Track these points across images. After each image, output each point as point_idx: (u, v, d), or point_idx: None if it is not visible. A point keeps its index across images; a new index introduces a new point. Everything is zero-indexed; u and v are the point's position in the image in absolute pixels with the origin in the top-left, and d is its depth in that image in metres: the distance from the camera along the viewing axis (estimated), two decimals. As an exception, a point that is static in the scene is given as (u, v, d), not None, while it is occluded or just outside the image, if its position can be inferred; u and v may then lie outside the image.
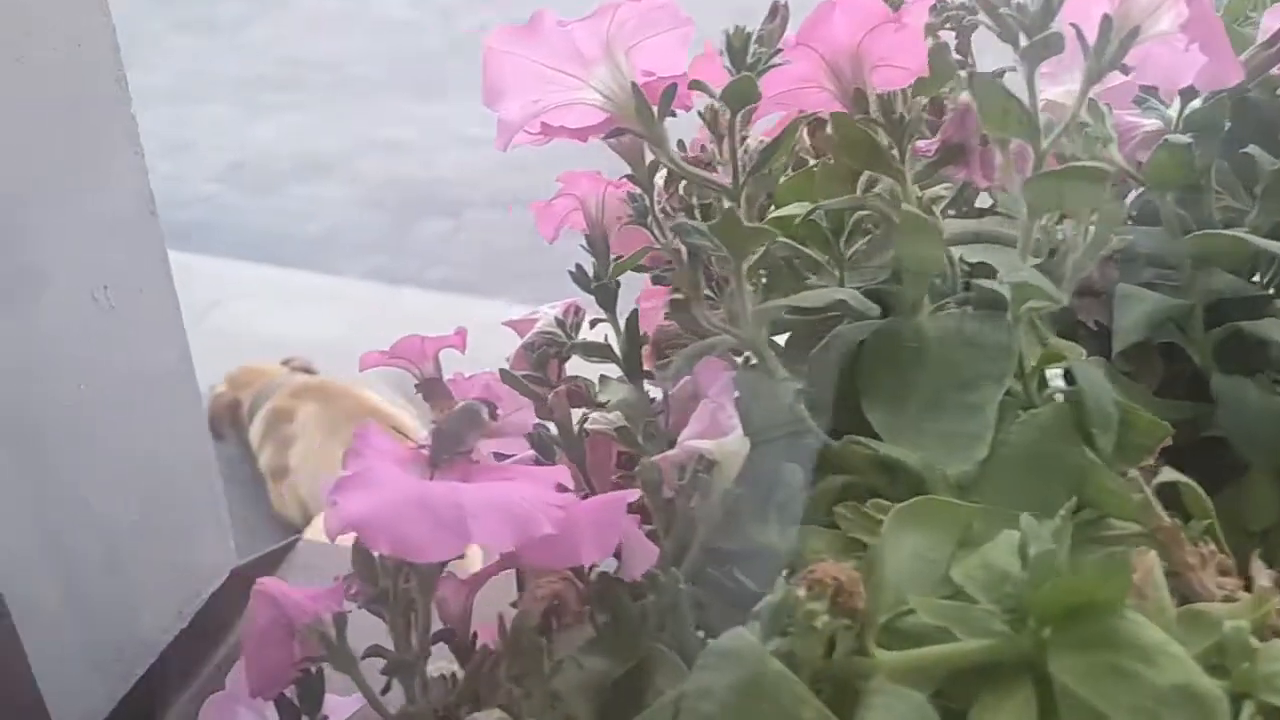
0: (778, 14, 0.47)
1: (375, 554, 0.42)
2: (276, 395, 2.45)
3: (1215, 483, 0.48)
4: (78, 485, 0.63)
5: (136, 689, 0.71)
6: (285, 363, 2.56)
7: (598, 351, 0.60)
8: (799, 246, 0.52)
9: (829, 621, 0.37)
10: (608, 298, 0.61)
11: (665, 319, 0.55)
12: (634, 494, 0.40)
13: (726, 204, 0.46)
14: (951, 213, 0.56)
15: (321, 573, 0.88)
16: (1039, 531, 0.38)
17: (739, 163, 0.45)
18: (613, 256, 0.62)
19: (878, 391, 0.47)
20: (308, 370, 2.55)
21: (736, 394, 0.45)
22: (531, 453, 0.53)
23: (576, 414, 0.54)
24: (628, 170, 0.51)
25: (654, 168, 0.52)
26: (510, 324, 0.66)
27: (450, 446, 0.41)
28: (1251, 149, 0.56)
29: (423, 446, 0.42)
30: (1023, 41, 0.44)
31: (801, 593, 0.37)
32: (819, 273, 0.54)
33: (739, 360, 0.50)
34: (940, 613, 0.38)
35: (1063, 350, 0.45)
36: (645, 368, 0.58)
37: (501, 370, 0.62)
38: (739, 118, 0.45)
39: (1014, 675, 0.37)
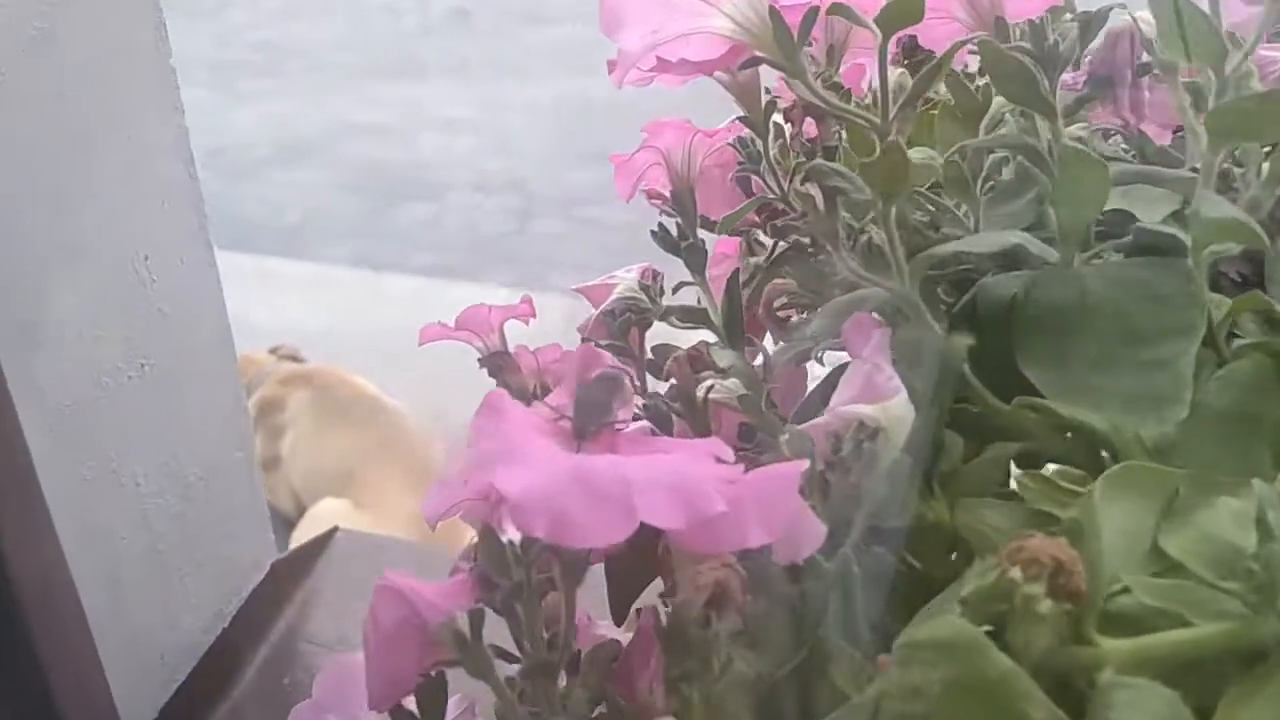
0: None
1: (506, 540, 0.37)
2: (265, 384, 2.38)
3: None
4: (120, 473, 0.58)
5: (179, 695, 0.65)
6: (273, 351, 2.49)
7: (693, 317, 0.55)
8: (929, 195, 0.47)
9: (1052, 607, 0.32)
10: (697, 259, 0.56)
11: (777, 279, 0.50)
12: (802, 465, 0.35)
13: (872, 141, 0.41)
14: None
15: (364, 563, 0.83)
16: (1275, 502, 0.34)
17: (889, 95, 0.40)
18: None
19: (1037, 350, 0.42)
20: (296, 358, 2.49)
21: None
22: (638, 426, 0.48)
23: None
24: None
25: (770, 108, 0.47)
26: (582, 290, 0.61)
27: (596, 417, 0.36)
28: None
29: (559, 418, 0.37)
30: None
31: (1017, 574, 0.33)
32: (944, 225, 0.49)
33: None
34: (1164, 594, 0.34)
35: (1257, 297, 0.41)
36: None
37: (584, 340, 0.57)
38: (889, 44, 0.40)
39: (1261, 662, 0.32)
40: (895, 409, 0.39)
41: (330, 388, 2.36)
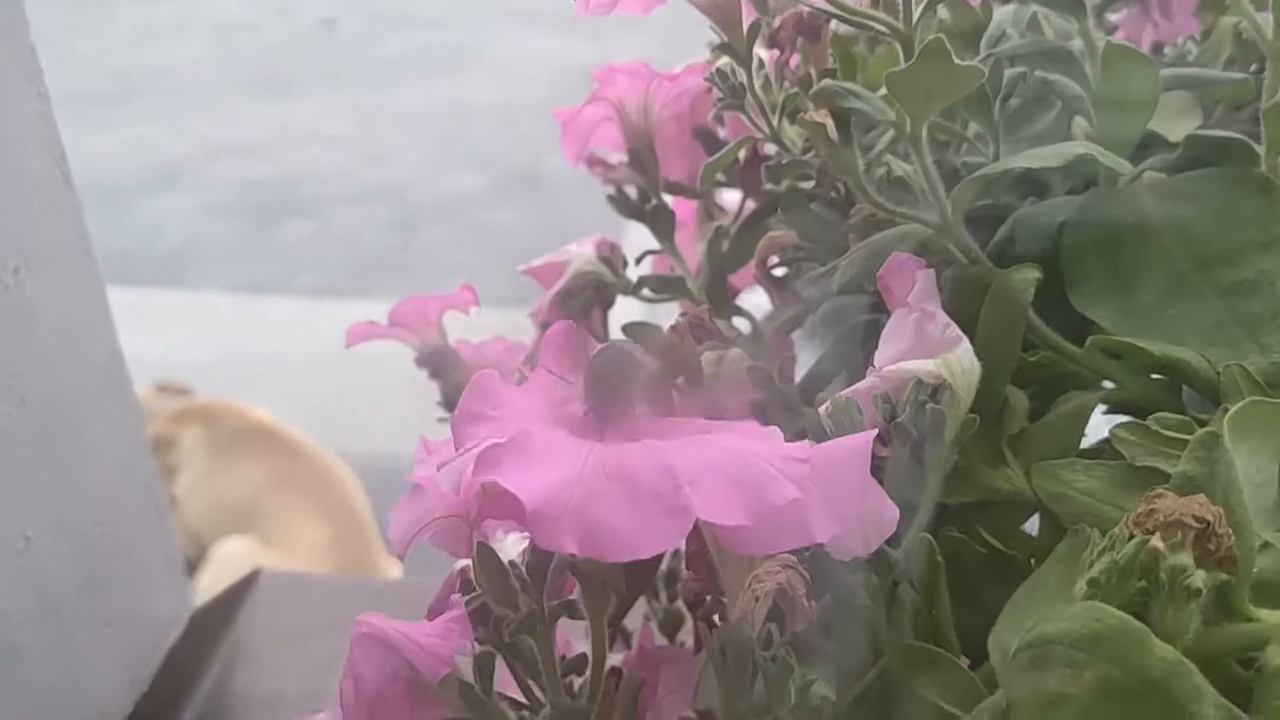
0: None
1: (508, 562, 0.29)
2: (155, 422, 2.24)
3: None
4: (5, 527, 0.49)
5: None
6: (160, 388, 2.35)
7: (669, 287, 0.49)
8: (940, 120, 0.41)
9: (1206, 578, 0.26)
10: (664, 223, 0.49)
11: (772, 229, 0.44)
12: (871, 434, 0.29)
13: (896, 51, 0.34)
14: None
15: (292, 606, 0.74)
16: None
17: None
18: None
19: (1096, 284, 0.37)
20: (184, 392, 2.35)
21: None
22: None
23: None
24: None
25: (754, 31, 0.40)
26: (530, 271, 0.54)
27: (613, 399, 0.29)
28: None
29: (568, 404, 0.30)
30: None
31: (1158, 543, 0.27)
32: (956, 151, 0.43)
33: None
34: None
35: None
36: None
37: (542, 327, 0.50)
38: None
39: None
40: (959, 361, 0.33)
41: (224, 420, 2.23)
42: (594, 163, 0.58)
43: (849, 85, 0.36)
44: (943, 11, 0.43)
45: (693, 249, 0.56)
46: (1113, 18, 0.45)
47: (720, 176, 0.48)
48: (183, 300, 3.15)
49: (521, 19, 4.60)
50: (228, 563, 1.84)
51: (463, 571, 0.32)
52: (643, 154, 0.50)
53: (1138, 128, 0.37)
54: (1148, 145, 0.42)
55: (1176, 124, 0.43)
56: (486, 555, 0.29)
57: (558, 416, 0.29)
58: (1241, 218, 0.35)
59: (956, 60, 0.32)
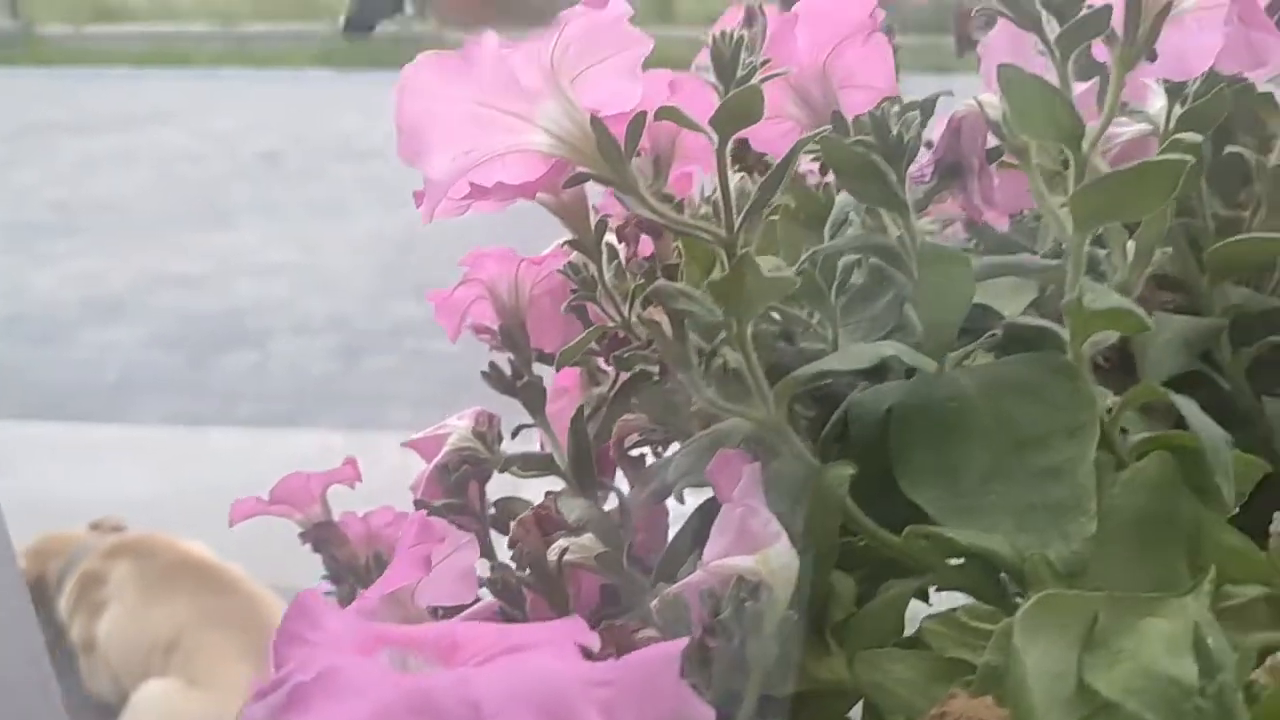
0: (756, 20, 0.39)
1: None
2: (87, 558, 2.20)
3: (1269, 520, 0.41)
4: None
5: None
6: (94, 526, 2.31)
7: (536, 464, 0.50)
8: (782, 306, 0.43)
9: (992, 781, 0.27)
10: (535, 398, 0.51)
11: (626, 413, 0.45)
12: (680, 645, 0.30)
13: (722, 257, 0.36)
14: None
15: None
16: (1209, 620, 0.30)
17: (732, 204, 0.36)
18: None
19: (920, 466, 0.38)
20: (119, 530, 2.32)
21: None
22: (484, 603, 0.42)
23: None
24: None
25: (601, 228, 0.42)
26: (413, 445, 0.55)
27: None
28: (1238, 149, 0.50)
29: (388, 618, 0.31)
30: (1052, 28, 0.37)
31: (945, 747, 0.28)
32: (798, 336, 0.45)
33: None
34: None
35: (1150, 388, 0.37)
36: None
37: (417, 502, 0.51)
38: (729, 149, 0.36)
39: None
40: (777, 557, 0.34)
41: (155, 555, 2.19)
42: (480, 330, 0.60)
43: (679, 286, 0.38)
44: (787, 197, 0.46)
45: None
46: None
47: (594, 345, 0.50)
48: (122, 434, 3.13)
49: (463, 148, 4.68)
50: (147, 709, 1.80)
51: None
52: (514, 332, 0.52)
53: (955, 318, 0.39)
54: (982, 318, 0.44)
55: (1012, 299, 0.46)
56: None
57: (378, 637, 0.30)
58: (1052, 404, 0.37)
59: (766, 273, 0.34)
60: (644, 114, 0.36)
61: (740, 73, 0.35)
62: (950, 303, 0.39)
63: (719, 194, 0.37)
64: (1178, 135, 0.44)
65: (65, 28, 6.33)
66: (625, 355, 0.42)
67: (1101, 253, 0.42)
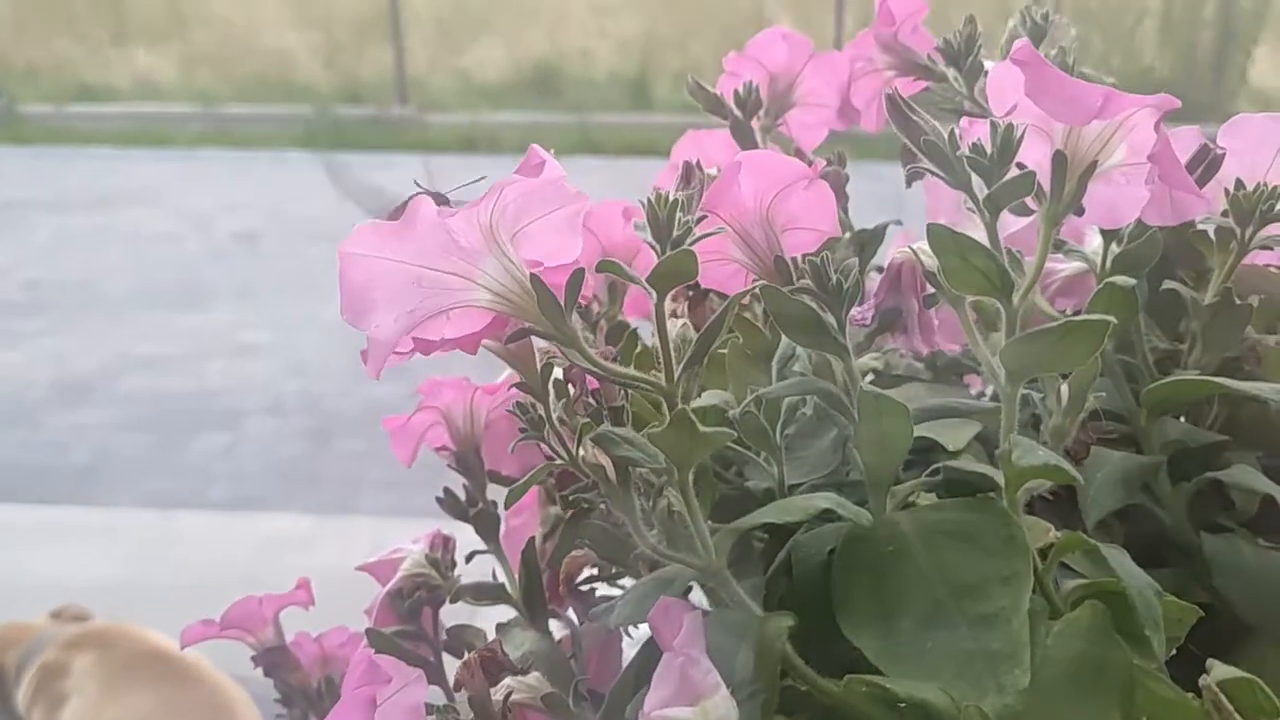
0: (693, 178, 0.40)
1: None
2: (48, 649, 2.16)
3: (1211, 654, 0.41)
4: None
5: None
6: (55, 615, 2.28)
7: (488, 593, 0.50)
8: (732, 447, 0.44)
9: None
10: (489, 526, 0.52)
11: (573, 549, 0.46)
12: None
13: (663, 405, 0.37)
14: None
15: None
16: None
17: (671, 356, 0.37)
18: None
19: (860, 609, 0.39)
20: (82, 618, 2.28)
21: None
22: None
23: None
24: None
25: (548, 370, 0.43)
26: (367, 568, 0.55)
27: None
28: (1174, 285, 0.52)
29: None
30: (981, 188, 0.38)
31: None
32: (744, 468, 0.46)
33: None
34: None
35: (1078, 539, 0.38)
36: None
37: (369, 631, 0.51)
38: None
39: None
40: (716, 709, 0.34)
41: (118, 646, 2.15)
42: (440, 448, 0.60)
43: (622, 432, 0.38)
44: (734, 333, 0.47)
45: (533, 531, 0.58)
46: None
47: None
48: (91, 518, 3.09)
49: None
50: (107, 812, 1.76)
51: None
52: (469, 458, 0.53)
53: (894, 464, 0.40)
54: (928, 451, 0.45)
55: (956, 433, 0.47)
56: None
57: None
58: (987, 550, 0.38)
59: (701, 428, 0.35)
60: (582, 270, 0.37)
61: (675, 233, 0.36)
62: (890, 450, 0.40)
63: (658, 344, 0.38)
64: (1111, 279, 0.45)
65: (47, 107, 6.36)
66: (573, 495, 0.43)
67: (1037, 396, 0.43)
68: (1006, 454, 0.37)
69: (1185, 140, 0.51)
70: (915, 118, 0.40)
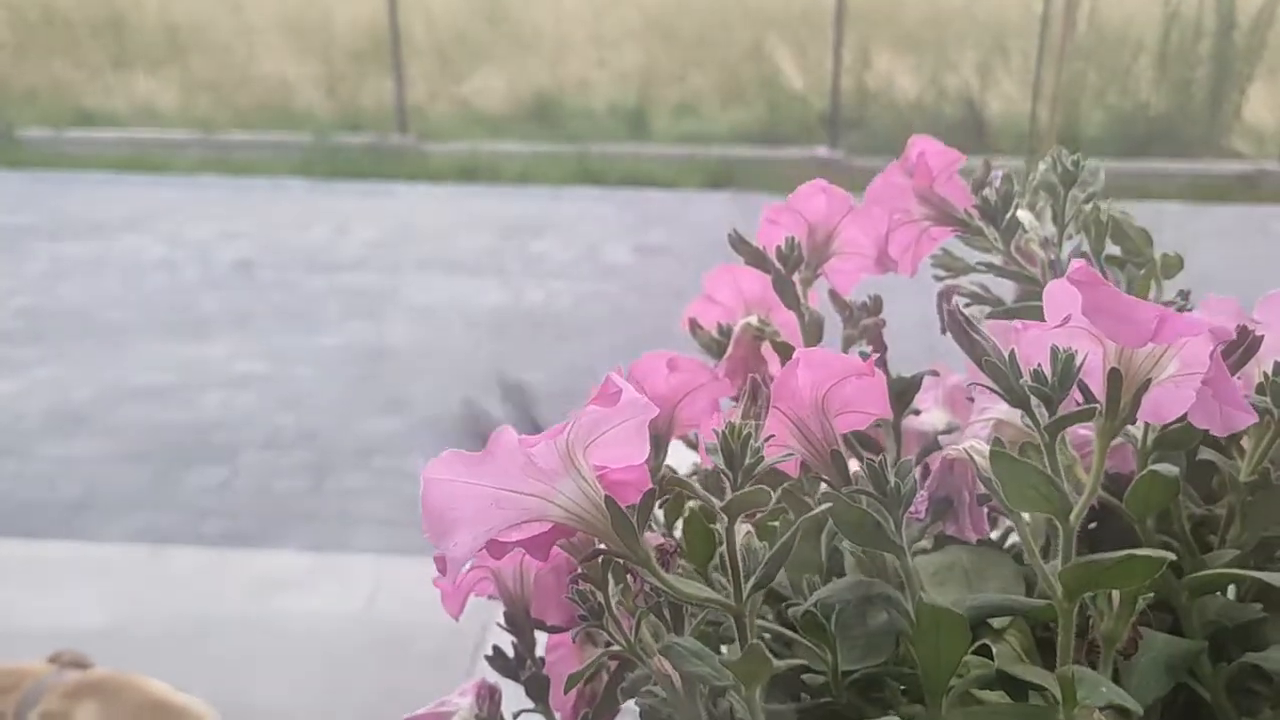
0: (759, 395, 0.41)
1: None
2: (46, 698, 2.16)
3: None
4: None
5: None
6: (53, 659, 2.27)
7: (538, 759, 0.51)
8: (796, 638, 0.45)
9: None
10: (539, 689, 0.52)
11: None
12: None
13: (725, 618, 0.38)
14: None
15: None
16: None
17: (740, 576, 0.38)
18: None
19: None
20: (81, 664, 2.28)
21: None
22: None
23: None
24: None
25: (609, 561, 0.44)
26: (413, 720, 0.56)
27: None
28: (1212, 456, 0.53)
29: None
30: (1043, 414, 0.39)
31: None
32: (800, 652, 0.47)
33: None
34: None
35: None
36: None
37: (416, 791, 0.52)
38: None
39: None
40: None
41: (120, 695, 2.15)
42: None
43: (689, 644, 0.39)
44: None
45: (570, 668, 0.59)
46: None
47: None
48: (83, 552, 3.08)
49: (437, 264, 4.74)
50: None
51: None
52: (518, 619, 0.53)
53: (950, 668, 0.41)
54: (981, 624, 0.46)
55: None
56: None
57: None
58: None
59: (769, 657, 0.36)
60: (654, 491, 0.38)
61: (748, 460, 0.37)
62: (945, 654, 0.41)
63: (728, 563, 0.38)
64: (1154, 468, 0.46)
65: (45, 131, 6.36)
66: (636, 689, 0.43)
67: (1087, 595, 0.44)
68: (1068, 679, 0.38)
69: (1225, 315, 0.52)
70: (976, 336, 0.41)
